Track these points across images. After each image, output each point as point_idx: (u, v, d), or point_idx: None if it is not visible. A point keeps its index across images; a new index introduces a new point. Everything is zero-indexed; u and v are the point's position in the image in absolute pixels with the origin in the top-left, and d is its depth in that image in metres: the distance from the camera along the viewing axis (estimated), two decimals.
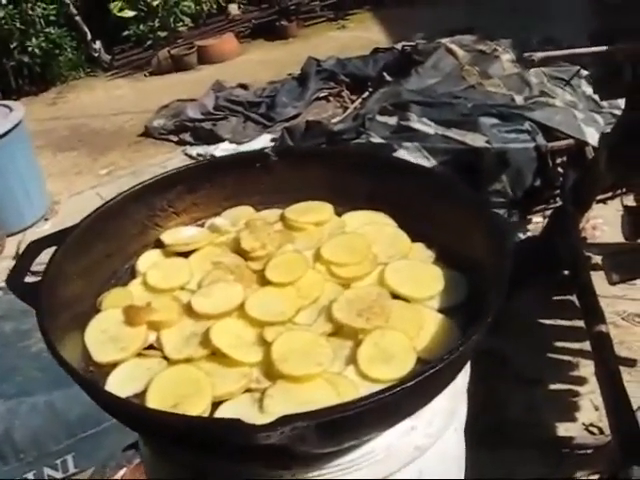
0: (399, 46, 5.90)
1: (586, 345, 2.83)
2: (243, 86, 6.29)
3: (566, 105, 4.19)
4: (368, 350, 1.07)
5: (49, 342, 1.02)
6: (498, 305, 1.02)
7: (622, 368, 2.45)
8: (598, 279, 2.89)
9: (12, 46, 7.34)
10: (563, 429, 2.71)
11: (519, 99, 4.35)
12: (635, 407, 2.13)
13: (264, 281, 1.25)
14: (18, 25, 7.32)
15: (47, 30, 7.46)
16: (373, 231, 1.34)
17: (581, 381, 2.87)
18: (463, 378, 1.21)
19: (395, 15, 7.89)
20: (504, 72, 4.73)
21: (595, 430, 2.69)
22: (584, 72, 4.50)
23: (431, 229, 1.32)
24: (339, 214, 1.43)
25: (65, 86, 7.71)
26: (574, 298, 3.12)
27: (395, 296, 1.19)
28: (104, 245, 1.33)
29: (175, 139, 5.75)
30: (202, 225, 1.47)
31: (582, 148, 3.84)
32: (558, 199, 3.89)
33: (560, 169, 3.91)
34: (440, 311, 1.17)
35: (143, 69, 7.72)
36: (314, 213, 1.41)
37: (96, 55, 7.86)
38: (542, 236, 3.50)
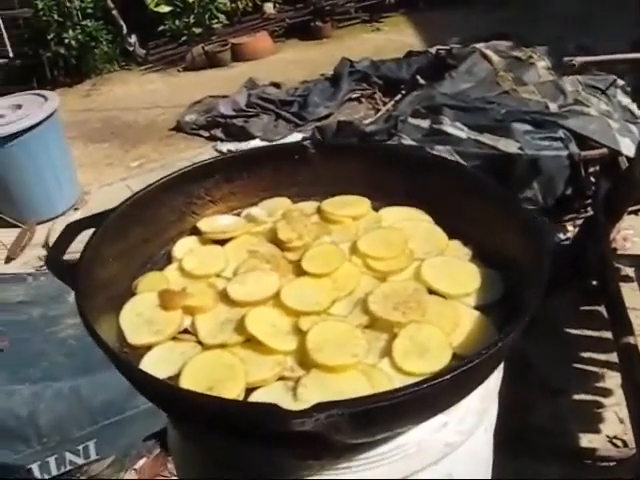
0: (433, 50, 5.89)
1: (613, 357, 2.82)
2: (276, 85, 6.32)
3: (601, 114, 4.15)
4: (403, 343, 1.06)
5: (87, 322, 1.03)
6: (536, 304, 1.01)
7: None
8: (628, 291, 2.87)
9: (49, 37, 7.44)
10: (587, 440, 2.69)
11: (553, 107, 4.32)
12: None
13: (300, 271, 1.25)
14: (56, 17, 7.43)
15: (84, 23, 7.56)
16: (410, 227, 1.33)
17: (606, 393, 2.85)
18: (496, 378, 1.20)
19: (430, 19, 7.88)
20: (539, 79, 4.71)
21: (619, 443, 2.67)
22: (620, 82, 4.47)
23: (468, 227, 1.31)
24: (376, 209, 1.42)
25: (99, 78, 7.79)
26: (602, 309, 3.10)
27: (431, 292, 1.19)
28: (141, 230, 1.34)
29: (206, 134, 5.79)
30: (239, 214, 1.46)
31: (615, 158, 3.80)
32: (589, 208, 3.87)
33: (592, 178, 3.88)
34: (476, 308, 1.16)
35: (177, 64, 7.78)
36: (351, 207, 1.41)
37: (131, 49, 7.94)
38: (573, 245, 3.47)
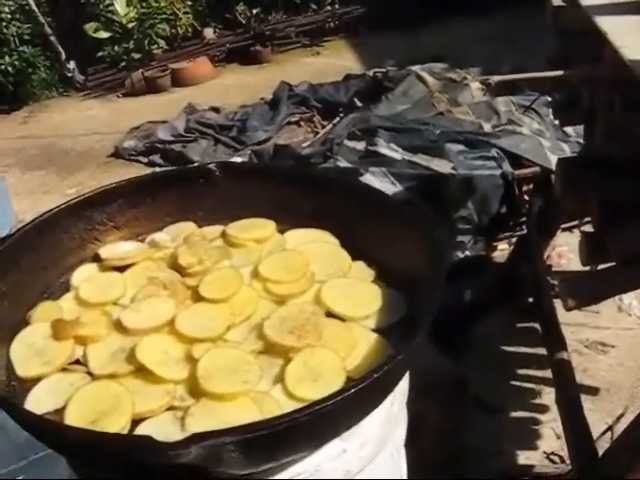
0: (371, 73, 5.92)
1: (549, 373, 2.82)
2: (215, 109, 6.29)
3: (533, 133, 4.21)
4: (297, 369, 1.04)
5: None
6: (427, 324, 0.99)
7: (584, 396, 2.44)
8: (562, 307, 2.88)
9: None
10: (524, 457, 2.69)
11: (487, 127, 4.37)
12: (595, 436, 2.11)
13: (198, 297, 1.22)
14: None
15: (21, 49, 7.44)
16: (313, 249, 1.32)
17: (543, 409, 2.86)
18: (400, 400, 1.18)
19: (369, 43, 7.96)
20: (473, 100, 4.77)
21: (556, 459, 2.67)
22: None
23: (373, 247, 1.31)
24: (282, 231, 1.41)
25: (37, 105, 7.66)
26: (537, 325, 3.12)
27: (331, 315, 1.17)
28: (38, 257, 1.30)
29: (145, 160, 5.72)
30: (144, 240, 1.43)
31: (548, 176, 3.85)
32: (524, 226, 3.91)
33: (526, 197, 3.93)
34: (376, 330, 1.14)
35: (116, 90, 7.69)
36: (256, 230, 1.39)
37: (70, 75, 7.83)
38: (507, 263, 3.50)
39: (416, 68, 5.27)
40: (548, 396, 2.86)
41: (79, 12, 7.88)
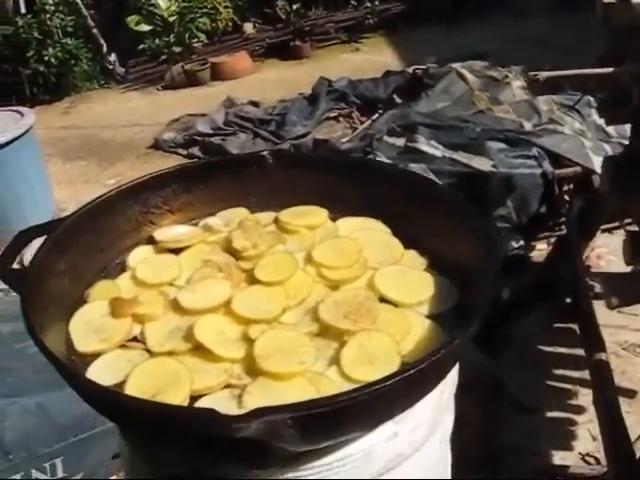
0: (410, 69, 5.92)
1: (586, 374, 2.80)
2: (254, 103, 6.33)
3: (575, 133, 4.18)
4: (352, 351, 1.05)
5: (30, 327, 1.02)
6: (484, 313, 1.00)
7: (622, 399, 2.42)
8: (601, 308, 2.86)
9: (29, 55, 7.42)
10: (559, 457, 2.67)
11: (528, 126, 4.34)
12: (633, 438, 2.09)
13: (253, 280, 1.24)
14: (36, 35, 7.42)
15: (64, 41, 7.57)
16: (365, 237, 1.33)
17: (580, 410, 2.84)
18: (449, 389, 1.19)
19: (408, 40, 7.95)
20: (514, 98, 4.74)
21: (592, 460, 2.66)
22: (594, 102, 4.51)
23: (424, 237, 1.31)
24: (333, 220, 1.42)
25: (78, 96, 7.78)
26: (575, 326, 3.10)
27: (384, 301, 1.18)
28: (96, 239, 1.33)
29: (184, 152, 5.77)
30: (196, 224, 1.46)
31: (589, 176, 3.82)
32: (563, 227, 3.88)
33: (566, 197, 3.90)
34: (429, 317, 1.15)
35: (156, 83, 7.78)
36: (308, 217, 1.41)
37: (111, 67, 7.94)
38: (545, 263, 3.48)
39: (456, 65, 5.25)
40: (584, 397, 2.84)
41: (121, 5, 8.00)
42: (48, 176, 5.14)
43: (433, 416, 1.12)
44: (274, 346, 1.06)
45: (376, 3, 8.68)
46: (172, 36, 7.83)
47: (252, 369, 1.04)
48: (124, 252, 1.37)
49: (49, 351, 0.98)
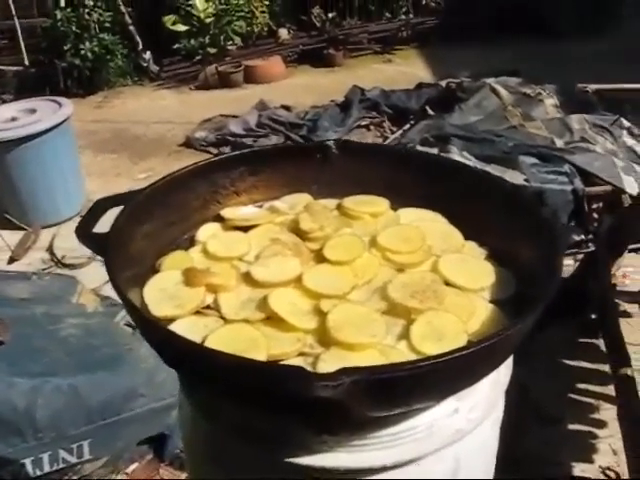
0: (443, 83, 5.98)
1: (608, 389, 2.84)
2: (286, 107, 6.39)
3: (606, 153, 4.22)
4: (421, 328, 1.10)
5: (116, 286, 1.06)
6: (545, 300, 1.04)
7: None
8: (625, 326, 2.90)
9: (65, 48, 7.52)
10: (579, 469, 2.70)
11: (560, 143, 4.39)
12: None
13: (320, 260, 1.29)
14: (74, 28, 7.53)
15: (101, 36, 7.66)
16: (427, 226, 1.37)
17: (601, 424, 2.87)
18: (503, 378, 1.23)
19: (440, 54, 8.00)
20: (547, 116, 4.79)
21: (612, 474, 2.68)
22: (626, 123, 4.54)
23: (484, 231, 1.35)
24: (394, 209, 1.46)
25: (112, 91, 7.87)
26: (599, 342, 3.13)
27: (447, 285, 1.22)
28: (167, 213, 1.38)
29: (215, 151, 5.85)
30: (261, 207, 1.51)
31: (619, 196, 3.86)
32: (590, 244, 3.91)
33: (595, 214, 3.93)
34: (490, 302, 1.20)
35: (189, 83, 7.86)
36: (370, 205, 1.45)
37: (145, 65, 8.03)
38: (573, 278, 3.50)
39: (490, 81, 5.31)
40: (606, 412, 2.87)
41: (159, 4, 8.08)
42: (81, 167, 5.21)
43: (490, 398, 1.16)
44: (346, 319, 1.10)
45: (410, 16, 8.75)
46: (207, 37, 7.92)
47: (324, 339, 1.09)
48: (192, 228, 1.42)
49: (134, 307, 1.03)
